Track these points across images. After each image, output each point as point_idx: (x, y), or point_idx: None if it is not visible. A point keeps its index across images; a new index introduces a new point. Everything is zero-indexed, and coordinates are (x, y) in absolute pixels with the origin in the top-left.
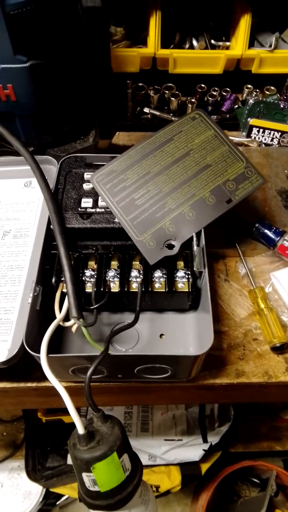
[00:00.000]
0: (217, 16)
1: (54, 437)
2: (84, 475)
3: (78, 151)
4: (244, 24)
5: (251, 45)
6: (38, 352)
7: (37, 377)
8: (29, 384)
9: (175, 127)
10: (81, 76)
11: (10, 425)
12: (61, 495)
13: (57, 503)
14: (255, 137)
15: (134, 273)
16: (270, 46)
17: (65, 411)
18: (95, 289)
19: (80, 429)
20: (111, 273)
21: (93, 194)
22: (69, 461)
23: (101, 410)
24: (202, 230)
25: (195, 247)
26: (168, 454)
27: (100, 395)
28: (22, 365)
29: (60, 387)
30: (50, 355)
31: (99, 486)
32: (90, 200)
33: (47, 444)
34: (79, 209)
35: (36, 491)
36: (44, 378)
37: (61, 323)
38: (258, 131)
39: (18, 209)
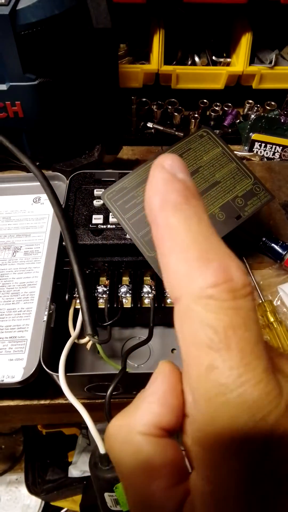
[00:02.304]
0: (218, 34)
1: (54, 449)
2: (106, 495)
3: (83, 166)
4: (245, 41)
5: (251, 61)
6: (55, 370)
7: (50, 394)
8: (42, 402)
9: (183, 145)
10: (88, 92)
11: (8, 437)
12: (60, 508)
13: None
14: (257, 151)
15: (146, 288)
16: (270, 62)
17: (67, 424)
18: (108, 306)
19: (102, 449)
20: (123, 289)
21: (104, 211)
22: (70, 473)
23: None
24: None
25: None
26: None
27: (113, 410)
28: (35, 382)
29: (80, 407)
30: (68, 374)
31: (121, 506)
32: (101, 216)
33: (47, 457)
34: (90, 226)
35: (34, 504)
36: (57, 395)
37: (75, 341)
38: (260, 146)
39: (28, 225)
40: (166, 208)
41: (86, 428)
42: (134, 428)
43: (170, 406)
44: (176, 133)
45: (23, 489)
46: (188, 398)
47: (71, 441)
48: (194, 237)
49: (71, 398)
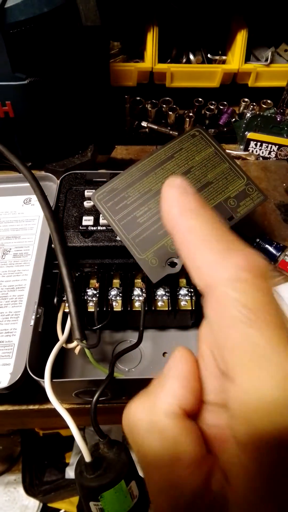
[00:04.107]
0: (214, 31)
1: (52, 450)
2: (91, 504)
3: (76, 166)
4: (240, 38)
5: (247, 59)
6: (42, 376)
7: (39, 399)
8: (31, 407)
9: (175, 144)
10: (80, 92)
11: (6, 438)
12: (57, 510)
13: None
14: (252, 151)
15: (136, 291)
16: (266, 60)
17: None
18: (97, 309)
19: (87, 457)
20: (113, 292)
21: (94, 212)
22: (67, 475)
23: (107, 436)
24: None
25: None
26: None
27: (103, 415)
28: (24, 386)
29: (65, 414)
30: (54, 380)
31: None
32: (91, 218)
33: (44, 458)
34: (80, 227)
35: (33, 505)
36: (46, 400)
37: (63, 345)
38: (256, 145)
39: (18, 227)
40: (185, 214)
41: (83, 429)
42: (160, 408)
43: (192, 389)
44: (171, 132)
45: (21, 490)
46: (209, 385)
47: (69, 442)
48: (215, 233)
49: (56, 405)
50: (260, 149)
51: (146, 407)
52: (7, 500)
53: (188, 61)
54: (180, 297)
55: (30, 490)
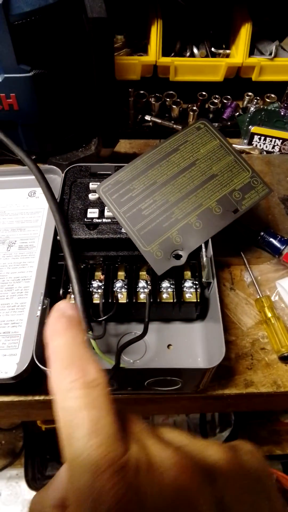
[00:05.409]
0: (217, 24)
1: (54, 445)
2: None
3: (80, 159)
4: (245, 32)
5: (251, 53)
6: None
7: (45, 390)
8: (36, 397)
9: (180, 137)
10: (84, 84)
11: (8, 433)
12: None
13: None
14: (256, 145)
15: (141, 283)
16: (270, 54)
17: None
18: (103, 301)
19: None
20: (118, 284)
21: (99, 204)
22: None
23: None
24: (210, 240)
25: (204, 258)
26: None
27: None
28: (29, 377)
29: None
30: None
31: None
32: (96, 210)
33: (47, 452)
34: (85, 220)
35: None
36: None
37: None
38: (260, 139)
39: (23, 219)
40: (52, 336)
41: None
42: (46, 502)
43: None
44: (175, 126)
45: (23, 484)
46: None
47: None
48: (67, 352)
49: None
50: (264, 143)
51: (38, 501)
52: (9, 495)
53: (192, 55)
54: (185, 289)
55: (33, 484)
